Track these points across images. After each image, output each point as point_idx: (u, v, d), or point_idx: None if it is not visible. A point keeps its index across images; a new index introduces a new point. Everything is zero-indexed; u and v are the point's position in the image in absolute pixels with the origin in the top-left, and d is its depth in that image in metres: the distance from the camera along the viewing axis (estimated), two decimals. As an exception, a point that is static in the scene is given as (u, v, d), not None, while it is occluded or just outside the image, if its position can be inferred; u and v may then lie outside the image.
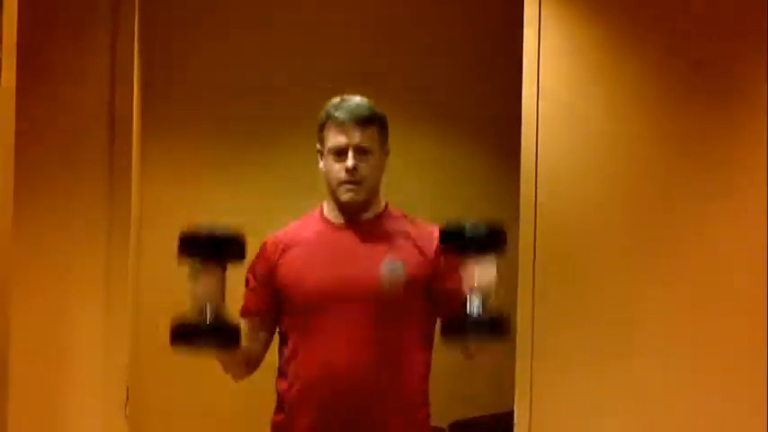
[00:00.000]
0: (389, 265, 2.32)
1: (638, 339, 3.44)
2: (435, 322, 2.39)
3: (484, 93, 5.53)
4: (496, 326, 2.13)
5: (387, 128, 2.41)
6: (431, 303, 2.37)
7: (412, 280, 2.32)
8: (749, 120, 3.33)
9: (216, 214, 4.32)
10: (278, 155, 4.64)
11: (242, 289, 2.48)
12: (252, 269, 2.43)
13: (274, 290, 2.39)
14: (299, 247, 2.39)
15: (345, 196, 2.35)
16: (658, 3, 3.47)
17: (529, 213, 3.57)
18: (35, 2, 3.18)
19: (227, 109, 4.63)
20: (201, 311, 2.16)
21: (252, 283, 2.43)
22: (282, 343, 2.41)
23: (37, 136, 3.29)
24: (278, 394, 2.40)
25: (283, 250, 2.40)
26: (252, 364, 2.43)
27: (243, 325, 2.37)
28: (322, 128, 2.39)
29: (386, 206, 2.45)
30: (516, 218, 3.67)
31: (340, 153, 2.34)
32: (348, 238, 2.37)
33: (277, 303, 2.40)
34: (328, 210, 2.43)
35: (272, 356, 2.49)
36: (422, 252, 2.36)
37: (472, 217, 2.21)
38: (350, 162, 2.32)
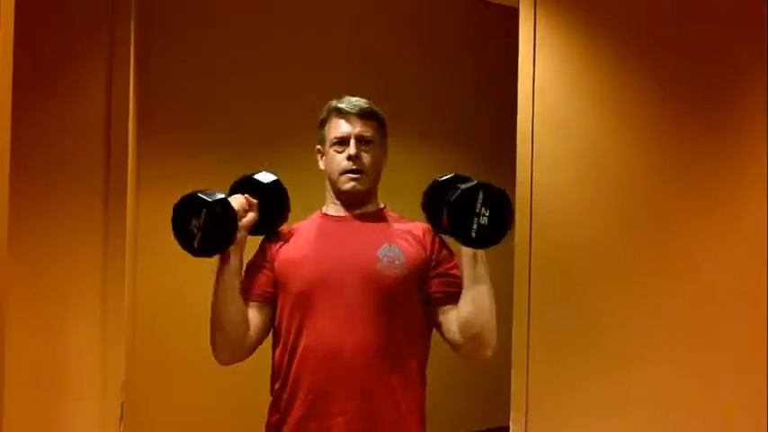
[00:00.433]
0: (386, 249, 2.35)
1: (634, 356, 3.44)
2: (430, 325, 2.40)
3: (480, 112, 5.57)
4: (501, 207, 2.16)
5: (386, 128, 2.47)
6: (424, 296, 2.37)
7: (409, 264, 2.34)
8: (745, 138, 3.34)
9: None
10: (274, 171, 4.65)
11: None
12: (252, 260, 2.45)
13: (273, 278, 2.39)
14: (297, 236, 2.43)
15: (347, 185, 2.39)
16: (654, 25, 3.49)
17: (524, 229, 3.58)
18: (31, 18, 3.19)
19: (222, 127, 4.65)
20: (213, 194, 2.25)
21: (251, 270, 2.44)
22: (276, 341, 2.40)
23: (32, 153, 3.29)
24: (272, 394, 2.39)
25: (283, 241, 2.43)
26: (244, 344, 2.36)
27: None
28: (323, 123, 2.45)
29: (384, 206, 2.50)
30: (510, 232, 3.68)
31: (342, 143, 2.39)
32: (347, 226, 2.41)
33: (275, 290, 2.40)
34: (327, 208, 2.47)
35: (266, 362, 2.49)
36: (418, 242, 2.39)
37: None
38: (352, 150, 2.37)
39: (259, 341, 2.39)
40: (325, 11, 4.98)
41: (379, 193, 2.50)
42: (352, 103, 2.43)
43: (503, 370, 3.66)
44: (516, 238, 3.62)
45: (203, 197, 2.26)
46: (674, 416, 3.39)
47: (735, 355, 3.33)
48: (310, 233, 2.43)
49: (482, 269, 2.26)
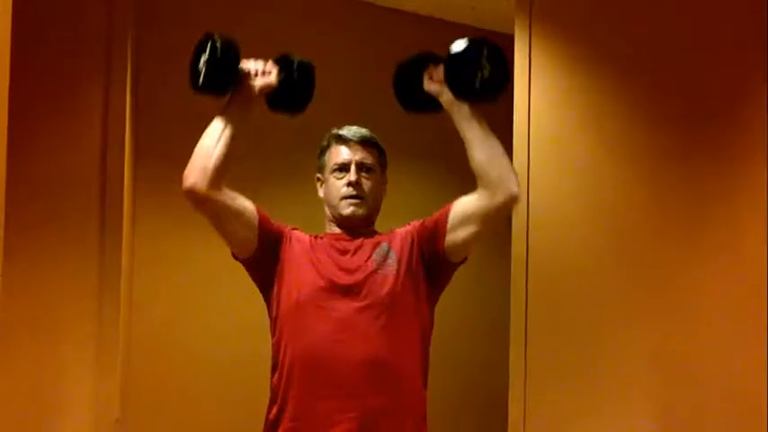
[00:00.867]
0: (378, 250, 2.37)
1: (633, 384, 3.42)
2: (432, 322, 2.42)
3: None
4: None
5: (386, 157, 2.49)
6: (430, 281, 2.38)
7: (400, 255, 2.36)
8: (744, 164, 3.29)
9: (208, 269, 4.32)
10: (271, 209, 4.61)
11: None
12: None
13: (275, 242, 2.39)
14: (303, 241, 2.42)
15: (347, 210, 2.41)
16: (650, 52, 3.47)
17: (521, 256, 3.58)
18: (27, 61, 3.19)
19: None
20: None
21: (270, 220, 2.43)
22: (275, 334, 2.40)
23: (28, 194, 3.29)
24: (271, 387, 2.39)
25: (291, 239, 2.43)
26: (211, 172, 2.34)
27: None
28: (323, 151, 2.47)
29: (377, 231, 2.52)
30: (507, 262, 3.68)
31: (342, 169, 2.42)
32: (345, 242, 2.42)
33: (270, 247, 2.39)
34: (328, 229, 2.49)
35: (264, 388, 2.47)
36: (403, 233, 2.42)
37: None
38: (353, 176, 2.40)
39: (226, 202, 2.35)
40: (323, 37, 4.98)
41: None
42: (353, 130, 2.46)
43: (500, 398, 3.65)
44: (513, 265, 3.61)
45: (212, 33, 2.33)
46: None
47: (734, 381, 3.30)
48: (315, 244, 2.43)
49: (482, 119, 2.29)
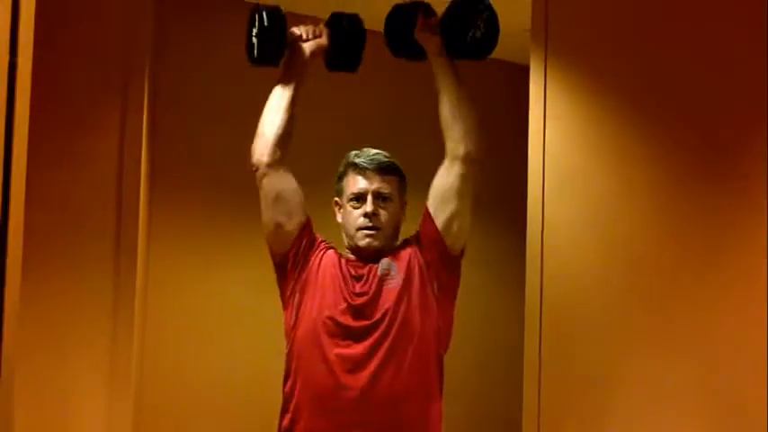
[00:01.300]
0: (384, 265, 2.39)
1: (646, 416, 3.39)
2: (449, 323, 2.43)
3: (489, 170, 5.58)
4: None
5: (405, 182, 2.47)
6: (437, 279, 2.39)
7: (403, 267, 2.38)
8: (756, 195, 3.24)
9: (223, 290, 4.32)
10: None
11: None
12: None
13: (305, 254, 2.41)
14: (330, 262, 2.43)
15: (363, 242, 2.41)
16: (668, 85, 3.45)
17: (534, 289, 3.56)
18: (45, 80, 3.22)
19: (233, 185, 4.65)
20: None
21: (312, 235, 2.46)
22: (289, 344, 2.39)
23: (44, 214, 3.30)
24: (283, 396, 2.38)
25: (323, 251, 2.45)
26: (272, 143, 2.45)
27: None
28: (341, 177, 2.46)
29: None
30: (521, 292, 3.67)
31: (359, 199, 2.41)
32: (359, 268, 2.43)
33: (303, 250, 2.42)
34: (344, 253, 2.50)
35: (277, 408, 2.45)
36: (403, 247, 2.44)
37: None
38: (369, 207, 2.39)
39: (280, 182, 2.42)
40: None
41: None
42: (370, 157, 2.43)
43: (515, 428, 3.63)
44: (527, 298, 3.59)
45: (259, 5, 2.44)
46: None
47: (743, 412, 3.26)
48: (336, 266, 2.44)
49: (456, 71, 2.39)
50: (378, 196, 2.42)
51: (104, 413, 3.37)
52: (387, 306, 2.31)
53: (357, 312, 2.32)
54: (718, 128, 3.35)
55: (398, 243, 2.48)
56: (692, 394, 3.30)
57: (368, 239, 2.41)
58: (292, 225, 2.36)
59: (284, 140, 2.35)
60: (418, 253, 2.38)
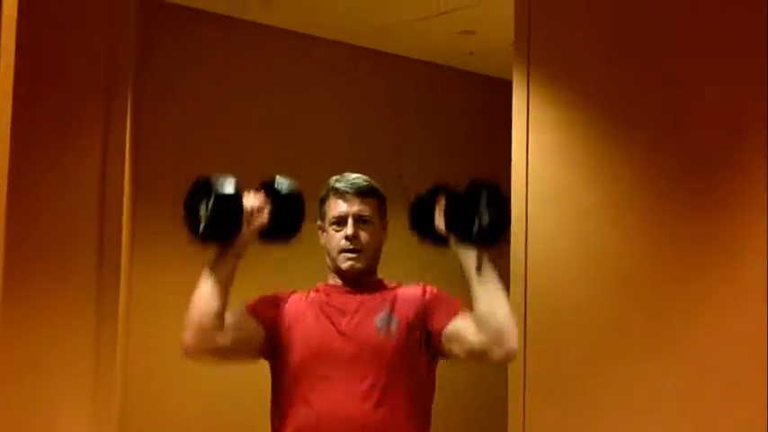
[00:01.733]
0: (383, 316, 2.36)
1: (630, 422, 3.40)
2: (434, 380, 2.40)
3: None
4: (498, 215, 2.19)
5: (385, 203, 2.49)
6: (429, 352, 2.37)
7: (405, 326, 2.34)
8: (745, 216, 3.29)
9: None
10: (267, 255, 4.61)
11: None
12: (265, 297, 2.44)
13: (273, 326, 2.37)
14: (300, 304, 2.42)
15: (346, 264, 2.40)
16: (648, 100, 3.47)
17: (519, 302, 3.57)
18: (27, 101, 3.22)
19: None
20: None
21: (263, 300, 2.43)
22: (275, 411, 2.39)
23: (26, 228, 3.29)
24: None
25: (288, 303, 2.42)
26: (208, 332, 2.29)
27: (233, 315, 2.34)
28: (323, 201, 2.47)
29: (382, 279, 2.49)
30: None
31: (340, 222, 2.41)
32: (346, 298, 2.41)
33: (269, 327, 2.37)
34: (330, 279, 2.48)
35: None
36: (412, 300, 2.39)
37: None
38: (350, 230, 2.39)
39: (228, 344, 2.31)
40: (323, 83, 5.03)
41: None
42: (350, 181, 2.44)
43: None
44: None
45: (215, 184, 2.28)
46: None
47: (734, 417, 3.26)
48: (311, 303, 2.42)
49: (488, 268, 2.25)
50: (358, 219, 2.43)
51: (89, 422, 3.36)
52: (379, 358, 2.32)
53: (345, 359, 2.32)
54: (702, 140, 3.36)
55: (404, 288, 2.47)
56: (678, 400, 3.31)
57: (350, 262, 2.43)
58: (261, 338, 2.38)
59: (220, 326, 2.32)
60: (420, 321, 2.39)
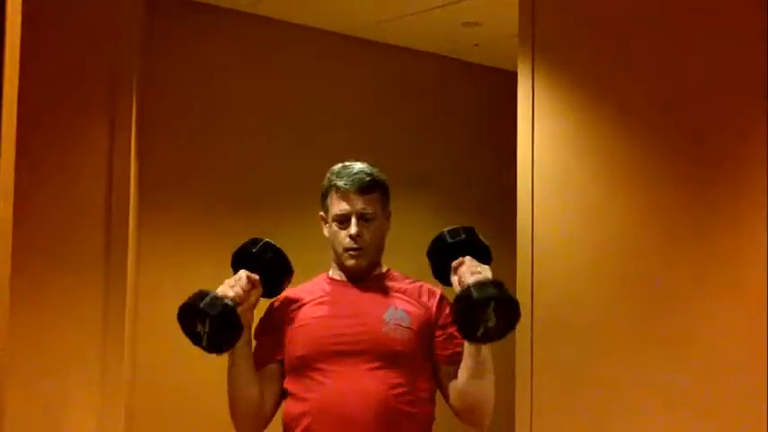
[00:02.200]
0: (392, 313, 2.36)
1: (637, 414, 3.40)
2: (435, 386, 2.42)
3: (480, 170, 5.61)
4: (507, 304, 2.20)
5: (388, 191, 2.46)
6: (430, 361, 2.39)
7: (415, 326, 2.36)
8: (746, 200, 3.28)
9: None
10: (274, 237, 4.63)
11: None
12: (260, 326, 2.45)
13: (282, 342, 2.40)
14: (305, 302, 2.43)
15: (350, 262, 2.40)
16: (655, 85, 3.47)
17: (526, 290, 3.58)
18: (33, 95, 3.23)
19: (224, 186, 4.67)
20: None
21: (261, 337, 2.45)
22: (285, 399, 2.40)
23: (34, 230, 3.31)
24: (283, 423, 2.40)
25: (290, 306, 2.43)
26: (261, 415, 2.39)
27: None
28: (325, 195, 2.45)
29: (387, 269, 2.50)
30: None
31: (343, 221, 2.40)
32: (353, 292, 2.42)
33: (284, 355, 2.40)
34: (333, 272, 2.48)
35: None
36: (423, 304, 2.41)
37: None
38: (353, 230, 2.37)
39: (277, 406, 2.41)
40: (327, 75, 5.04)
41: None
42: (351, 177, 2.39)
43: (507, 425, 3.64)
44: (518, 297, 3.61)
45: (207, 310, 2.25)
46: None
47: (737, 403, 3.25)
48: (317, 297, 2.43)
49: (485, 353, 2.30)
50: (361, 217, 2.41)
51: (97, 417, 3.37)
52: (388, 351, 2.33)
53: (354, 352, 2.34)
54: (707, 126, 3.36)
55: (413, 282, 2.47)
56: (680, 388, 3.32)
57: (354, 261, 2.42)
58: (281, 368, 2.42)
59: (262, 403, 2.38)
60: (430, 326, 2.40)
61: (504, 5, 4.25)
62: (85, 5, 3.58)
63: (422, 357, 2.37)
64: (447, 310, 2.40)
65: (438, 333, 2.39)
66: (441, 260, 2.37)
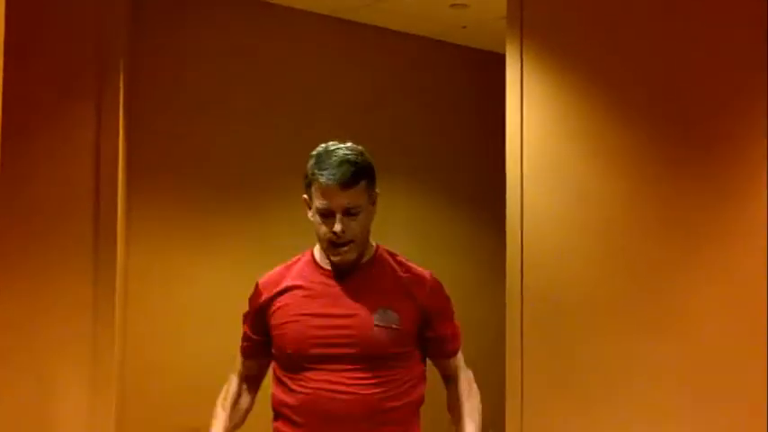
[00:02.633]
0: (382, 314, 2.30)
1: (626, 393, 3.42)
2: (425, 362, 2.42)
3: (469, 154, 5.61)
4: None
5: (374, 174, 2.33)
6: (421, 348, 2.38)
7: (404, 327, 2.31)
8: (740, 186, 3.28)
9: (201, 286, 4.34)
10: (261, 225, 4.63)
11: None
12: (249, 311, 2.44)
13: (269, 326, 2.38)
14: (291, 293, 2.36)
15: (336, 258, 2.31)
16: (646, 69, 3.46)
17: (515, 275, 3.58)
18: (20, 79, 3.21)
19: (211, 182, 4.65)
20: None
21: (250, 323, 2.43)
22: (274, 381, 2.39)
23: (22, 214, 3.29)
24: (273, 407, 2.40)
25: (276, 292, 2.37)
26: (253, 390, 2.48)
27: (243, 362, 2.45)
28: (308, 184, 2.34)
29: (376, 249, 2.41)
30: (502, 277, 3.70)
31: (327, 215, 2.28)
32: (340, 288, 2.34)
33: (268, 336, 2.39)
34: (321, 258, 2.39)
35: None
36: (412, 297, 2.34)
37: None
38: (337, 226, 2.26)
39: (266, 371, 2.46)
40: (314, 58, 5.02)
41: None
42: (333, 169, 2.25)
43: (498, 410, 3.65)
44: (508, 281, 3.62)
45: None
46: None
47: (727, 389, 3.26)
48: (306, 288, 2.36)
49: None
50: (346, 212, 2.33)
51: (87, 409, 3.37)
52: (376, 346, 2.33)
53: (341, 345, 2.33)
54: (696, 107, 3.35)
55: (404, 269, 2.45)
56: (677, 371, 3.32)
57: (340, 256, 2.33)
58: (268, 340, 2.43)
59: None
60: (419, 319, 2.39)
61: (492, -13, 4.24)
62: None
63: (412, 348, 2.35)
64: (435, 298, 2.37)
65: (429, 333, 2.36)
66: None
